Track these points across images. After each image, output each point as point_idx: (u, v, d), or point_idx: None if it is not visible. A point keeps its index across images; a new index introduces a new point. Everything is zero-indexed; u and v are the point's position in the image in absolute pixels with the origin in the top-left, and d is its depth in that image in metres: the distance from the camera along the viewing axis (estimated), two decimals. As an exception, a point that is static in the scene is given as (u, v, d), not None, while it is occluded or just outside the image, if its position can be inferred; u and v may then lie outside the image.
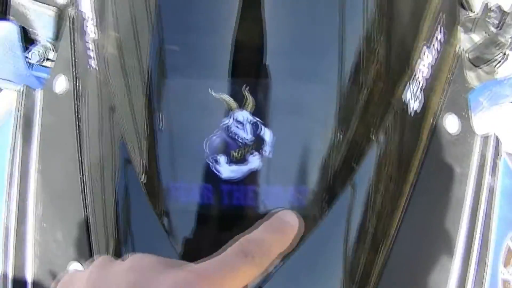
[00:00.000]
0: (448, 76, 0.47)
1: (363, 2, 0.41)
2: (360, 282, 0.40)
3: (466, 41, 0.68)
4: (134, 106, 0.41)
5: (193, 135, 0.39)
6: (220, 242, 0.37)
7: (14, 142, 0.48)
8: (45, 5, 0.59)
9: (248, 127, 0.39)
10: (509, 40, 0.62)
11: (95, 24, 0.45)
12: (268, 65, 0.39)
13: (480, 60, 0.66)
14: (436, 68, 0.45)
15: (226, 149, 0.39)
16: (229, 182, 0.39)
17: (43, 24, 0.60)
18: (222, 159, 0.39)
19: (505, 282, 0.46)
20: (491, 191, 0.46)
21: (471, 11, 0.74)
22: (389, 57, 0.42)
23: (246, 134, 0.39)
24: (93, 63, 0.45)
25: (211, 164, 0.39)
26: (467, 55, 0.67)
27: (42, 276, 0.45)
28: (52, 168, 0.47)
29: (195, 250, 0.39)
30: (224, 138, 0.39)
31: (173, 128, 0.39)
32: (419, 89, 0.44)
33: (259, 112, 0.39)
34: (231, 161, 0.39)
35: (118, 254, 0.41)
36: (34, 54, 0.59)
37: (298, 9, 0.40)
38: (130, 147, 0.41)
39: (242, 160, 0.39)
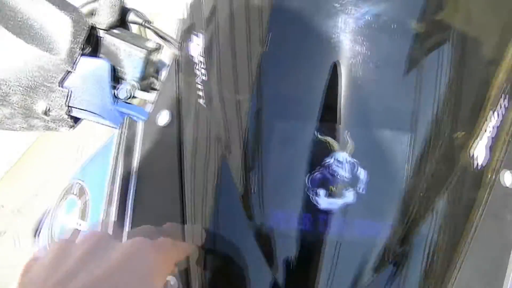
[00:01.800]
0: (506, 137, 0.54)
1: (447, 76, 0.48)
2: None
3: None
4: (242, 143, 0.47)
5: (298, 170, 0.45)
6: (310, 264, 0.42)
7: (115, 166, 0.53)
8: (135, 46, 0.65)
9: (347, 166, 0.45)
10: None
11: (204, 68, 0.51)
12: (367, 116, 0.45)
13: None
14: (499, 130, 0.52)
15: (325, 184, 0.44)
16: (326, 212, 0.44)
17: (132, 65, 0.66)
18: (321, 192, 0.44)
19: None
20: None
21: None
22: (463, 119, 0.49)
23: (344, 172, 0.45)
24: (201, 101, 0.51)
25: (311, 196, 0.44)
26: None
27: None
28: (151, 191, 0.52)
29: (289, 271, 0.44)
30: (325, 174, 0.45)
31: (281, 163, 0.45)
32: (483, 148, 0.51)
33: (357, 154, 0.45)
34: (329, 194, 0.44)
35: (216, 268, 0.46)
36: (122, 91, 0.64)
37: (391, 75, 0.47)
38: (239, 181, 0.47)
39: (339, 195, 0.44)
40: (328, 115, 0.45)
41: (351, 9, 0.48)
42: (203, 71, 0.52)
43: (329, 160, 0.45)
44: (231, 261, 0.46)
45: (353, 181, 0.44)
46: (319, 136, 0.45)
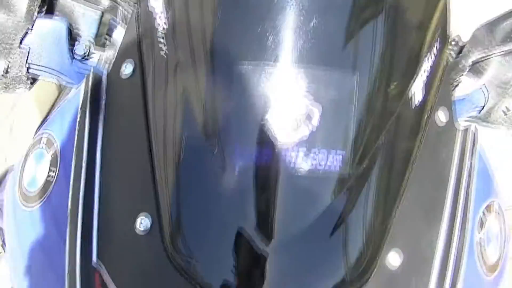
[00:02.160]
0: (440, 77, 0.60)
1: (385, 25, 0.54)
2: (379, 227, 0.51)
3: None
4: (205, 87, 0.51)
5: (258, 108, 0.49)
6: (269, 192, 0.47)
7: (83, 117, 0.56)
8: (90, 7, 0.68)
9: (302, 103, 0.50)
10: (468, 67, 0.77)
11: (167, 18, 0.55)
12: (320, 60, 0.50)
13: None
14: (433, 71, 0.58)
15: (283, 120, 0.49)
16: (284, 145, 0.49)
17: (87, 23, 0.68)
18: (279, 127, 0.49)
19: (478, 242, 0.58)
20: (470, 172, 0.59)
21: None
22: (403, 62, 0.55)
23: (299, 109, 0.49)
24: (163, 51, 0.54)
25: (270, 131, 0.49)
26: None
27: (108, 229, 0.53)
28: (119, 138, 0.55)
29: (250, 200, 0.49)
30: (281, 111, 0.49)
31: (241, 102, 0.49)
32: (420, 87, 0.57)
33: (311, 93, 0.50)
34: (287, 129, 0.49)
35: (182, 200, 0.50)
36: (80, 47, 0.66)
37: (338, 24, 0.52)
38: (203, 120, 0.51)
39: (295, 129, 0.49)
40: (286, 57, 0.50)
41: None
42: (164, 22, 0.55)
43: (285, 98, 0.49)
44: (197, 194, 0.50)
45: (308, 117, 0.49)
46: (276, 76, 0.49)
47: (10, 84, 0.67)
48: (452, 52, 0.84)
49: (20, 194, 0.59)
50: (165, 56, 0.54)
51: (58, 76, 0.67)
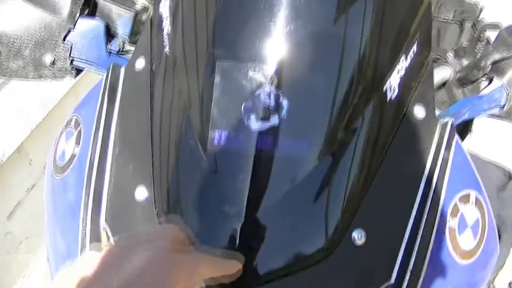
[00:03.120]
0: (419, 77, 0.65)
1: (365, 17, 0.60)
2: (346, 207, 0.58)
3: (457, 64, 0.86)
4: (194, 81, 0.60)
5: (235, 100, 0.57)
6: (243, 175, 0.55)
7: (102, 103, 0.67)
8: (125, 8, 0.79)
9: (272, 96, 0.57)
10: (489, 66, 0.80)
11: (170, 22, 0.64)
12: (288, 57, 0.57)
13: (465, 80, 0.84)
14: (410, 71, 0.63)
15: (256, 111, 0.57)
16: (256, 133, 0.57)
17: (122, 23, 0.79)
18: (252, 117, 0.57)
19: (451, 228, 0.63)
20: (445, 163, 0.64)
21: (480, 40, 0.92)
22: (377, 59, 0.61)
23: (270, 101, 0.57)
24: (166, 49, 0.64)
25: (245, 120, 0.57)
26: (456, 75, 0.85)
27: (114, 196, 0.63)
28: (128, 122, 0.66)
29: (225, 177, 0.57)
30: (255, 103, 0.57)
31: (221, 94, 0.58)
32: (395, 84, 0.62)
33: (281, 87, 0.57)
34: (259, 119, 0.57)
35: (173, 177, 0.59)
36: (114, 44, 0.78)
37: (314, 21, 0.59)
38: (191, 109, 0.60)
39: (266, 119, 0.57)
40: (259, 55, 0.58)
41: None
42: (168, 25, 0.65)
43: (259, 92, 0.57)
44: (184, 174, 0.59)
45: (278, 108, 0.57)
46: (251, 72, 0.57)
47: (58, 74, 0.80)
48: (478, 52, 0.88)
49: (53, 166, 0.72)
50: (168, 54, 0.64)
51: (97, 68, 0.79)
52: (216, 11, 0.60)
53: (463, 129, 1.19)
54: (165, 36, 0.65)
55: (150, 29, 0.69)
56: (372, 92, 0.60)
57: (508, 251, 0.87)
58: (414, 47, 0.65)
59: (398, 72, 0.63)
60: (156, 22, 0.68)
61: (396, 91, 0.62)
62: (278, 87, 0.57)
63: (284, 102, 0.57)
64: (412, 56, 0.64)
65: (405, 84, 0.63)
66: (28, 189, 1.80)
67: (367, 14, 0.61)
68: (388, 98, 0.62)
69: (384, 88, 0.61)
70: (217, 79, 0.58)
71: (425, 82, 0.66)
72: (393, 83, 0.62)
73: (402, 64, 0.63)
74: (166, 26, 0.65)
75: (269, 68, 0.57)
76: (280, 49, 0.58)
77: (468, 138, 1.24)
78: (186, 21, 0.63)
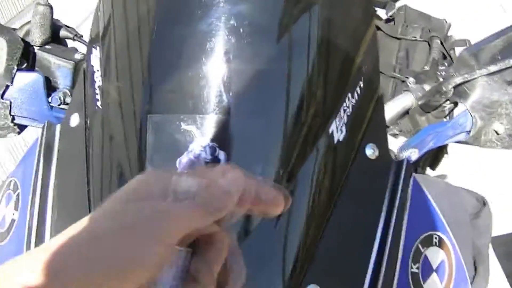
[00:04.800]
0: (369, 114, 0.62)
1: (304, 57, 0.57)
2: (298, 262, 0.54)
3: (418, 90, 0.83)
4: (127, 136, 0.57)
5: (168, 156, 0.54)
6: None
7: (38, 164, 0.64)
8: (64, 59, 0.76)
9: (208, 150, 0.53)
10: (451, 90, 0.76)
11: (101, 75, 0.61)
12: (224, 108, 0.54)
13: (428, 106, 0.80)
14: (357, 109, 0.60)
15: (191, 166, 0.53)
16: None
17: (63, 75, 0.76)
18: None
19: (414, 274, 0.59)
20: (402, 204, 0.60)
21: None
22: (320, 101, 0.57)
23: (206, 155, 0.53)
24: (98, 104, 0.60)
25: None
26: (418, 102, 0.81)
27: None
28: (66, 183, 0.62)
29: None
30: (190, 158, 0.54)
31: (155, 150, 0.54)
32: (342, 124, 0.59)
33: (216, 139, 0.53)
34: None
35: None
36: (55, 98, 0.75)
37: (249, 65, 0.56)
38: (126, 166, 0.56)
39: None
40: (194, 108, 0.54)
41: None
42: (99, 78, 0.61)
43: (193, 146, 0.53)
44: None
45: (214, 161, 0.53)
46: (184, 125, 0.54)
47: (0, 132, 0.76)
48: (440, 76, 0.85)
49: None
50: (100, 109, 0.60)
51: (39, 124, 0.76)
52: (146, 63, 0.57)
53: (438, 151, 1.16)
54: (97, 90, 0.61)
55: (84, 82, 0.65)
56: (317, 136, 0.57)
57: (486, 283, 0.83)
58: (361, 83, 0.61)
59: (344, 111, 0.59)
60: (88, 75, 0.64)
61: (344, 132, 0.59)
62: (213, 139, 0.53)
63: (221, 155, 0.53)
64: (359, 93, 0.61)
65: (353, 123, 0.60)
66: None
67: (306, 55, 0.58)
68: (336, 140, 0.58)
69: (330, 130, 0.58)
70: (149, 133, 0.55)
71: (376, 119, 0.63)
72: (339, 124, 0.58)
73: (348, 103, 0.60)
74: (98, 78, 0.62)
75: (203, 119, 0.54)
76: (214, 99, 0.54)
77: (445, 159, 1.21)
78: (117, 73, 0.59)
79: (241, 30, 0.56)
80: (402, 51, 1.19)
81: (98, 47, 0.63)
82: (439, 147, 1.16)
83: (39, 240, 0.61)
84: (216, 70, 0.55)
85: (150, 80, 0.57)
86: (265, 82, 0.56)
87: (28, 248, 0.61)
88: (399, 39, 1.20)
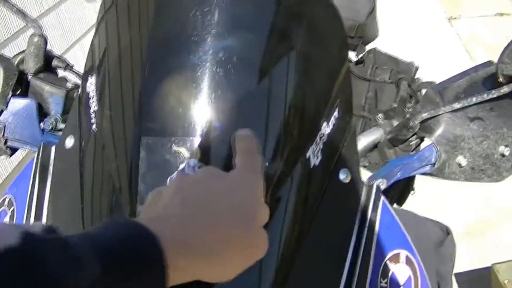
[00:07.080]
0: (342, 142, 0.68)
1: (285, 88, 0.63)
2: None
3: (387, 125, 0.90)
4: (121, 156, 0.61)
5: (160, 175, 0.58)
6: None
7: (33, 183, 0.67)
8: (57, 87, 0.80)
9: (197, 169, 0.58)
10: (418, 125, 0.83)
11: (97, 101, 0.66)
12: (210, 129, 0.59)
13: (396, 140, 0.87)
14: (332, 136, 0.66)
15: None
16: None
17: (54, 102, 0.81)
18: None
19: (383, 288, 0.64)
20: (372, 224, 0.65)
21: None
22: (299, 128, 0.63)
23: (194, 173, 0.58)
24: (93, 127, 0.65)
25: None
26: (387, 136, 0.88)
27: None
28: (60, 202, 0.66)
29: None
30: (180, 176, 0.58)
31: (147, 170, 0.59)
32: (319, 150, 0.64)
33: (205, 159, 0.58)
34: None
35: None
36: (47, 123, 0.79)
37: (234, 94, 0.61)
38: (119, 186, 0.60)
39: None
40: (184, 130, 0.59)
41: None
42: (95, 104, 0.66)
43: (183, 165, 0.58)
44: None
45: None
46: (175, 146, 0.59)
47: (-8, 154, 0.80)
48: (407, 113, 0.92)
49: None
50: (95, 132, 0.65)
51: (31, 147, 0.80)
52: (140, 89, 0.62)
53: (405, 188, 1.22)
54: (92, 114, 0.66)
55: (78, 108, 0.70)
56: (296, 160, 0.62)
57: (450, 308, 0.88)
58: (336, 113, 0.68)
59: (321, 138, 0.65)
60: (83, 100, 0.69)
61: (320, 157, 0.64)
62: (202, 159, 0.58)
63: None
64: (334, 122, 0.67)
65: (328, 149, 0.66)
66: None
67: (287, 83, 0.64)
68: (312, 165, 0.64)
69: (308, 155, 0.63)
70: (142, 155, 0.59)
71: (349, 146, 0.69)
72: (316, 150, 0.64)
73: (324, 131, 0.66)
74: (93, 104, 0.67)
75: (192, 141, 0.59)
76: (202, 122, 0.59)
77: (410, 196, 1.27)
78: (111, 99, 0.64)
79: (227, 63, 0.62)
80: (371, 92, 1.26)
81: (93, 76, 0.68)
82: (406, 184, 1.23)
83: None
84: (203, 99, 0.60)
85: (143, 105, 0.62)
86: (249, 109, 0.62)
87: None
88: (368, 80, 1.28)
